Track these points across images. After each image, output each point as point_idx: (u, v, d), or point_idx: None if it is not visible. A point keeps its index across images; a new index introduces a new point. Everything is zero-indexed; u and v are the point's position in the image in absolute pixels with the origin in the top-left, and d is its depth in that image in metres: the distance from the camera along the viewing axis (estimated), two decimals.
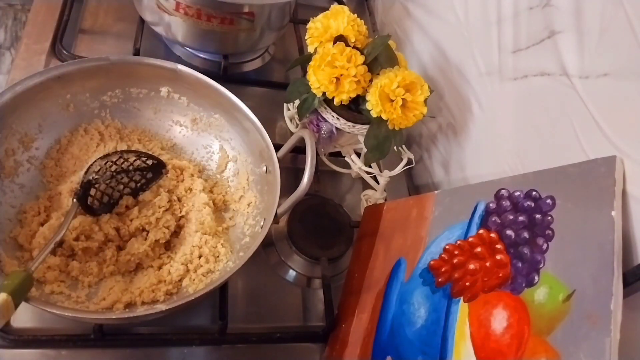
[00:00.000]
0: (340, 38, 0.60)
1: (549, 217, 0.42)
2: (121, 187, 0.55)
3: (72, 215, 0.50)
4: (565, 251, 0.40)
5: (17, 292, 0.39)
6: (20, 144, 0.54)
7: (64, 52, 0.66)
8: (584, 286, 0.37)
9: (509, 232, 0.44)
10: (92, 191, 0.53)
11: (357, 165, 0.68)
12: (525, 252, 0.42)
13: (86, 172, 0.53)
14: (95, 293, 0.50)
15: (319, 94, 0.60)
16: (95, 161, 0.53)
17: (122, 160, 0.55)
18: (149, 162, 0.56)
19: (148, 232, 0.55)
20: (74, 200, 0.51)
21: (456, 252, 0.48)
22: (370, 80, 0.60)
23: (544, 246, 0.41)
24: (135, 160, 0.56)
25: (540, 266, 0.41)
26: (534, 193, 0.44)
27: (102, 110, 0.60)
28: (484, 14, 0.60)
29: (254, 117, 0.57)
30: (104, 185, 0.54)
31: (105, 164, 0.54)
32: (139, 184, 0.56)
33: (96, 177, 0.53)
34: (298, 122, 0.70)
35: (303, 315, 0.59)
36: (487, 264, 0.45)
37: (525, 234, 0.43)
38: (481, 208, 0.48)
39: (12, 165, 0.53)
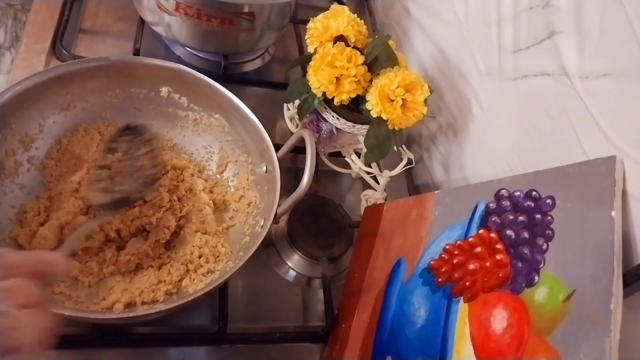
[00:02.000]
0: (340, 38, 0.60)
1: (549, 217, 0.42)
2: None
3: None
4: (565, 251, 0.40)
5: None
6: (21, 144, 0.54)
7: (64, 52, 0.66)
8: (584, 286, 0.37)
9: (509, 232, 0.44)
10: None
11: (357, 165, 0.68)
12: (525, 252, 0.42)
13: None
14: (95, 293, 0.50)
15: (319, 94, 0.60)
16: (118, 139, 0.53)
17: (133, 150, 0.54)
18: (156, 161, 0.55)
19: (148, 232, 0.55)
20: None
21: (456, 252, 0.48)
22: (370, 80, 0.60)
23: (544, 246, 0.41)
24: (143, 155, 0.54)
25: (540, 266, 0.41)
26: (534, 193, 0.44)
27: (102, 110, 0.60)
28: (484, 14, 0.60)
29: (254, 117, 0.57)
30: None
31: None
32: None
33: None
34: (298, 122, 0.70)
35: (303, 315, 0.59)
36: (487, 264, 0.45)
37: (525, 234, 0.43)
38: (481, 208, 0.48)
39: (12, 165, 0.53)
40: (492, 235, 0.46)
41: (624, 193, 0.40)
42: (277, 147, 0.56)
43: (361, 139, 0.63)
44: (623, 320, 0.35)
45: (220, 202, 0.60)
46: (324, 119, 0.63)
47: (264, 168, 0.57)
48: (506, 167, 0.57)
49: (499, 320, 0.41)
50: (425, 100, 0.59)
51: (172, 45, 0.75)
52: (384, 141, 0.61)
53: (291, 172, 0.67)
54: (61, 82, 0.54)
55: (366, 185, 0.71)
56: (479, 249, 0.46)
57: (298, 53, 0.80)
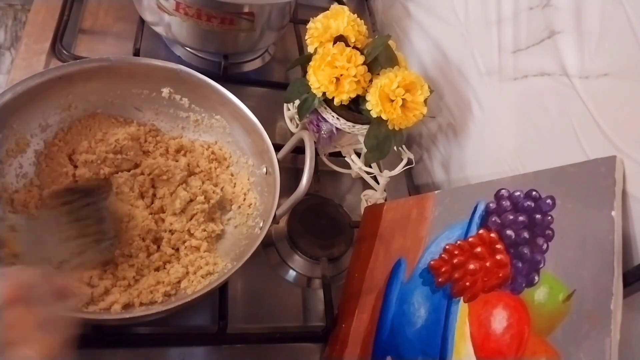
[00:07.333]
0: (340, 38, 0.60)
1: (549, 217, 0.42)
2: None
3: None
4: (565, 251, 0.40)
5: None
6: (22, 145, 0.53)
7: (64, 52, 0.66)
8: (584, 286, 0.37)
9: (509, 232, 0.44)
10: None
11: (357, 165, 0.68)
12: (525, 252, 0.42)
13: None
14: (94, 293, 0.50)
15: (319, 94, 0.60)
16: None
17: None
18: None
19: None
20: None
21: (456, 252, 0.48)
22: (370, 80, 0.60)
23: (544, 246, 0.41)
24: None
25: (540, 266, 0.41)
26: (534, 193, 0.44)
27: (103, 111, 0.60)
28: (484, 14, 0.60)
29: (254, 118, 0.57)
30: None
31: None
32: None
33: None
34: (298, 122, 0.70)
35: (303, 315, 0.59)
36: (487, 264, 0.45)
37: (525, 234, 0.43)
38: (481, 208, 0.48)
39: (14, 165, 0.53)
40: (492, 235, 0.46)
41: (624, 193, 0.40)
42: (277, 148, 0.56)
43: (361, 139, 0.63)
44: (623, 320, 0.35)
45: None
46: (324, 119, 0.63)
47: (264, 169, 0.57)
48: (506, 167, 0.57)
49: (499, 320, 0.41)
50: (425, 100, 0.59)
51: (172, 45, 0.75)
52: (384, 141, 0.61)
53: (291, 172, 0.67)
54: (62, 82, 0.54)
55: (366, 185, 0.71)
56: (479, 249, 0.46)
57: (298, 53, 0.80)
